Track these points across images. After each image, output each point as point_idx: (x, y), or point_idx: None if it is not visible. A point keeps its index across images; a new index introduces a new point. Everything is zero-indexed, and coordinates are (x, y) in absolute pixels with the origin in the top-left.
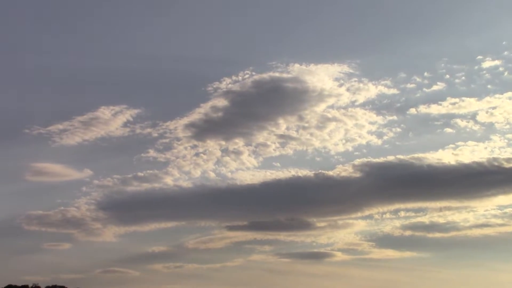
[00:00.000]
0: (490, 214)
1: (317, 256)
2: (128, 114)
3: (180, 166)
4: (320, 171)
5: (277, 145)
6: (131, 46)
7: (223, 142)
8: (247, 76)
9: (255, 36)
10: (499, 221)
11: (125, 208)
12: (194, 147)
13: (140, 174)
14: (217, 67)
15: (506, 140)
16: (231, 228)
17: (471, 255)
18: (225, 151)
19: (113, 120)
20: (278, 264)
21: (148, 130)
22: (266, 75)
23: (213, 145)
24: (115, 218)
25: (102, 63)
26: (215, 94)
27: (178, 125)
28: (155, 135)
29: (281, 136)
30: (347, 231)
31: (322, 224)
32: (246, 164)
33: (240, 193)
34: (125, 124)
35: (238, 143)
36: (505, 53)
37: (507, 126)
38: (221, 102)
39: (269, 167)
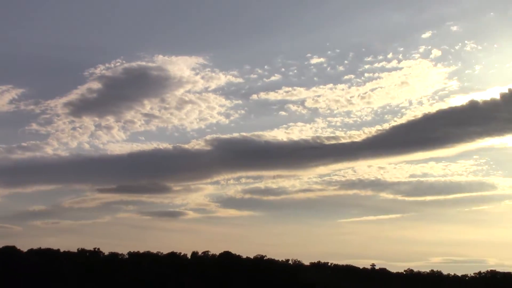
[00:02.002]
0: (312, 181)
1: (173, 214)
2: (14, 93)
3: (59, 138)
4: (177, 144)
5: (142, 122)
6: (19, 33)
7: (96, 119)
8: (118, 64)
9: (127, 30)
10: (319, 186)
11: (9, 173)
12: (71, 122)
13: (23, 144)
14: (93, 55)
15: (327, 122)
16: (101, 191)
17: (297, 214)
18: (98, 126)
19: (0, 98)
20: (141, 221)
21: (32, 107)
22: (134, 64)
23: (88, 121)
24: (0, 181)
25: None
26: (90, 78)
27: (58, 103)
28: (38, 111)
29: (146, 115)
30: (198, 194)
31: (178, 188)
32: (115, 138)
33: (110, 161)
34: (11, 101)
35: (110, 119)
36: (329, 52)
37: (328, 111)
38: (96, 85)
39: (135, 140)
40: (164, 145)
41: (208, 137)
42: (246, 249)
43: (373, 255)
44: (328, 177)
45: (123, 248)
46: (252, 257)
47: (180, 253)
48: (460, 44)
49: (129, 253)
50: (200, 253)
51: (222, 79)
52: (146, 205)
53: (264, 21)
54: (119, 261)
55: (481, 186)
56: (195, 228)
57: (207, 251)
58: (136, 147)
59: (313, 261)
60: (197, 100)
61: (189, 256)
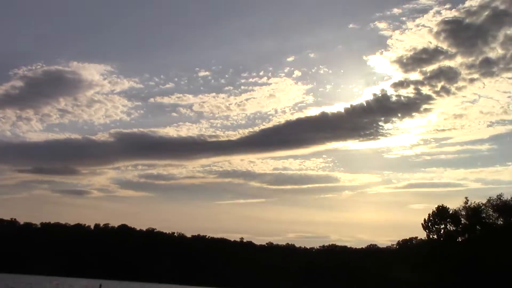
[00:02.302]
0: (196, 170)
1: (80, 193)
2: None
3: None
4: (86, 135)
5: (58, 116)
6: None
7: (18, 111)
8: (39, 67)
9: (47, 38)
10: (201, 175)
11: None
12: None
13: None
14: (18, 58)
15: (209, 123)
16: (20, 171)
17: (182, 196)
18: (19, 118)
19: None
20: (53, 197)
21: None
22: (53, 68)
23: (10, 113)
24: None
25: None
26: (14, 77)
27: None
28: None
29: (61, 110)
30: (102, 177)
31: (85, 171)
32: (34, 128)
33: (28, 147)
34: None
35: (29, 112)
36: (213, 67)
37: (211, 115)
38: (18, 83)
39: (50, 131)
40: (75, 136)
41: (112, 131)
42: (140, 223)
43: (242, 230)
44: (209, 167)
45: (37, 219)
46: (144, 229)
47: (85, 224)
48: (315, 67)
49: (42, 223)
50: (101, 225)
51: (125, 84)
52: (58, 184)
53: (162, 39)
54: (33, 229)
55: (328, 179)
56: (98, 205)
57: (108, 223)
58: (52, 136)
59: (194, 234)
60: (104, 100)
61: (92, 227)
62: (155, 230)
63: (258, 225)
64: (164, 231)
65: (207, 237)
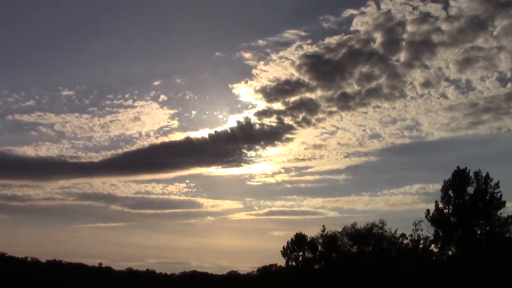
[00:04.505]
0: (54, 191)
1: None
2: None
3: None
4: None
5: None
6: None
7: None
8: None
9: None
10: (60, 196)
11: None
12: None
13: None
14: None
15: (71, 144)
16: None
17: (39, 218)
18: None
19: None
20: None
21: None
22: None
23: None
24: None
25: None
26: None
27: None
28: None
29: None
30: None
31: None
32: None
33: None
34: None
35: None
36: (77, 87)
37: (73, 135)
38: None
39: None
40: None
41: None
42: None
43: (101, 255)
44: (68, 189)
45: None
46: None
47: None
48: (182, 93)
49: None
50: None
51: None
52: None
53: (23, 55)
54: None
55: (190, 204)
56: None
57: None
58: None
59: (49, 259)
60: None
61: None
62: (6, 255)
63: (118, 250)
64: (16, 256)
65: (63, 262)
